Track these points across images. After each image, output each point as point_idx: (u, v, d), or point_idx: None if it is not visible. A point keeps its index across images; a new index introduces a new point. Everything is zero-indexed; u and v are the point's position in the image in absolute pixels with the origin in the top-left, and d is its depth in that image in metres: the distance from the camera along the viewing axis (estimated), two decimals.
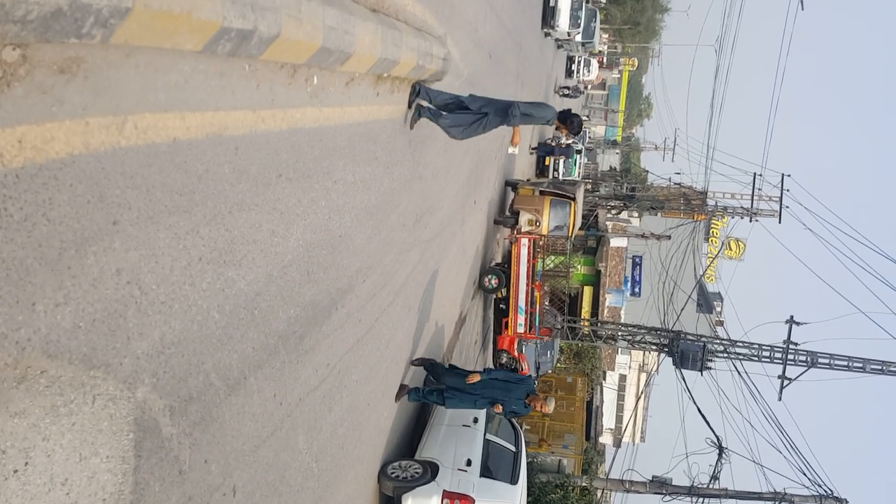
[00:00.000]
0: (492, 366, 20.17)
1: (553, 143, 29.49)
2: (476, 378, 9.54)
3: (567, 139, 29.33)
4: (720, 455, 18.03)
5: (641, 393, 42.83)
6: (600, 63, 75.86)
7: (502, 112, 8.95)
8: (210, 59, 4.08)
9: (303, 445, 6.41)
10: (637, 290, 40.66)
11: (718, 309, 45.20)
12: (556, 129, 9.70)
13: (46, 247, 3.07)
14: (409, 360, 10.35)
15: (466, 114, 8.96)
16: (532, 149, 28.77)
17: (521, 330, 18.97)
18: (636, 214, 40.88)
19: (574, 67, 52.34)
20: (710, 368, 20.97)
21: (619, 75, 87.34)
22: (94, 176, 3.31)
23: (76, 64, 3.07)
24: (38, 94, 2.92)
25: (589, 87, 65.00)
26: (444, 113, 9.05)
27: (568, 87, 45.71)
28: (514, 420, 12.33)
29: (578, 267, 36.66)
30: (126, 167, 3.53)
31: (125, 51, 3.34)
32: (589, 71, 46.28)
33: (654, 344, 22.51)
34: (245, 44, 4.16)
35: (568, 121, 9.21)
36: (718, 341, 22.24)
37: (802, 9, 42.56)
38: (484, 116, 8.97)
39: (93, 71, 3.18)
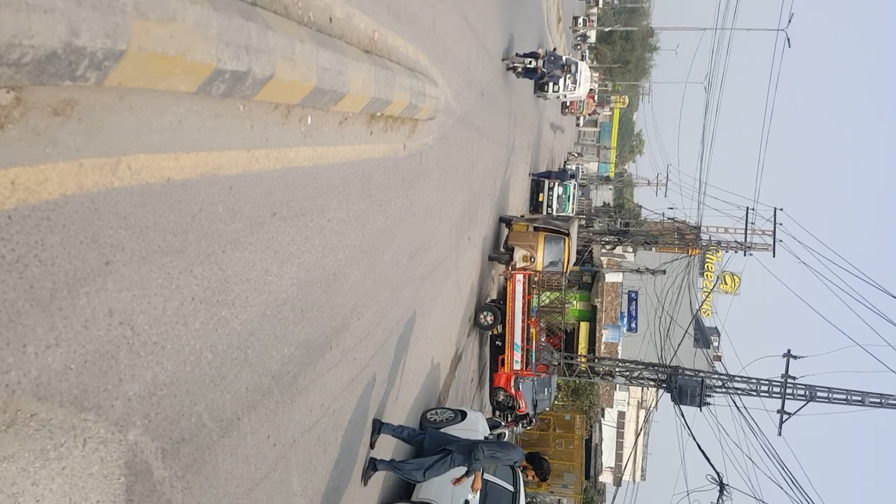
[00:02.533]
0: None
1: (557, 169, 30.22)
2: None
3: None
4: (721, 492, 17.82)
5: (640, 430, 42.46)
6: (591, 99, 76.83)
7: (466, 452, 8.71)
8: (204, 100, 4.11)
9: (297, 488, 6.32)
10: (633, 325, 40.57)
11: (716, 344, 45.05)
12: (523, 469, 9.55)
13: (38, 288, 3.06)
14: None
15: (428, 457, 8.77)
16: (530, 175, 29.61)
17: (517, 367, 18.85)
18: (630, 249, 41.01)
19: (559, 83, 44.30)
20: (708, 404, 20.84)
21: (610, 113, 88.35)
22: (87, 216, 3.31)
23: (70, 106, 3.09)
24: (32, 136, 2.93)
25: (581, 115, 61.37)
26: (401, 463, 8.86)
27: (561, 127, 46.78)
28: None
29: (574, 303, 36.64)
30: (119, 207, 3.54)
31: (119, 93, 3.37)
32: (576, 84, 29.49)
33: (651, 380, 22.38)
34: (239, 85, 4.20)
35: (536, 464, 9.00)
36: (716, 376, 22.13)
37: (789, 46, 43.36)
38: (448, 454, 8.73)
39: (87, 113, 3.21)
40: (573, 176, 35.57)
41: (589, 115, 68.28)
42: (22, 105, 2.83)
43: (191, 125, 4.06)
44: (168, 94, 3.73)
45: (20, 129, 2.86)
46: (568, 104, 50.94)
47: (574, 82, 28.28)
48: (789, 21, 43.27)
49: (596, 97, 79.01)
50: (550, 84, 28.06)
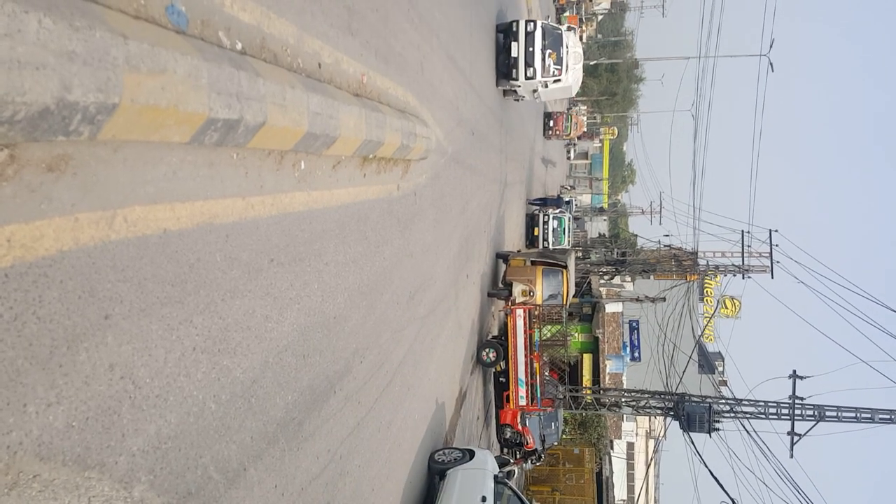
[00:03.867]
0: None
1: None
2: None
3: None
4: None
5: (651, 460, 41.93)
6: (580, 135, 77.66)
7: None
8: (198, 149, 4.13)
9: None
10: (637, 354, 40.36)
11: (720, 368, 44.78)
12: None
13: (37, 345, 3.02)
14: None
15: None
16: (529, 202, 30.12)
17: (522, 402, 18.68)
18: (629, 279, 41.00)
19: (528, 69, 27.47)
20: (717, 430, 20.62)
21: (600, 144, 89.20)
22: (84, 271, 3.30)
23: (64, 161, 3.10)
24: (27, 193, 2.93)
25: (569, 137, 51.21)
26: None
27: (552, 161, 47.77)
28: (522, 495, 11.99)
29: (576, 335, 36.50)
30: (117, 260, 3.52)
31: (113, 146, 3.38)
32: (562, 67, 20.53)
33: (659, 408, 22.18)
34: (232, 133, 4.22)
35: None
36: (724, 401, 21.95)
37: (773, 70, 44.00)
38: None
39: (81, 167, 3.21)
40: (568, 202, 36.08)
41: (578, 138, 61.56)
42: (16, 162, 2.83)
43: (185, 175, 4.06)
44: (162, 144, 3.75)
45: (15, 186, 2.86)
46: (552, 124, 46.60)
47: (559, 63, 20.12)
48: (770, 46, 44.00)
49: (585, 127, 79.90)
50: (521, 67, 20.08)
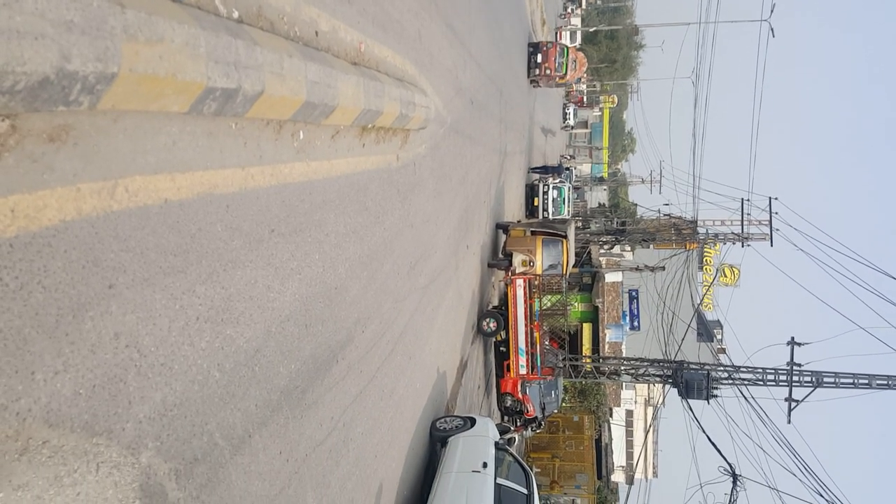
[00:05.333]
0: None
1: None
2: None
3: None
4: (735, 483, 17.77)
5: (649, 427, 42.36)
6: (580, 103, 76.98)
7: None
8: (197, 119, 4.13)
9: (312, 502, 6.30)
10: (636, 323, 40.54)
11: (719, 336, 45.03)
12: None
13: (43, 314, 3.06)
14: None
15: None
16: (530, 170, 30.92)
17: (523, 371, 18.83)
18: (628, 248, 41.05)
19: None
20: (715, 396, 20.81)
21: (599, 113, 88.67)
22: (87, 241, 3.32)
23: (65, 131, 3.11)
24: (29, 163, 2.95)
25: (565, 80, 36.71)
26: None
27: (552, 131, 46.51)
28: (523, 461, 12.16)
29: (576, 304, 36.64)
30: (119, 231, 3.55)
31: (113, 116, 3.39)
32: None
33: (657, 376, 22.36)
34: (230, 102, 4.22)
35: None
36: (722, 368, 22.11)
37: (773, 36, 43.58)
38: None
39: (82, 137, 3.22)
40: (568, 169, 35.99)
41: (575, 83, 50.74)
42: (17, 132, 2.85)
43: (185, 145, 4.07)
44: (161, 114, 3.75)
45: (17, 156, 2.87)
46: (539, 60, 33.20)
47: None
48: (772, 11, 43.53)
49: (585, 98, 79.26)
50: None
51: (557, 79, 34.41)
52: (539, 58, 32.97)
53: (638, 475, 42.77)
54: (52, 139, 3.04)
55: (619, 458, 45.23)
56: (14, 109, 2.72)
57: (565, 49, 34.19)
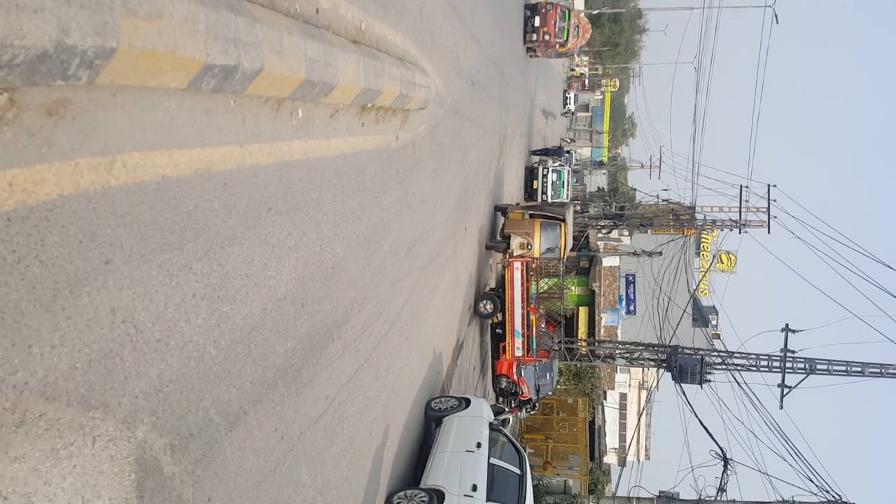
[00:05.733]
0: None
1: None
2: None
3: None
4: (725, 466, 17.92)
5: (643, 410, 42.64)
6: (583, 85, 76.56)
7: None
8: (195, 95, 4.12)
9: (307, 479, 6.35)
10: (632, 307, 40.64)
11: (714, 322, 45.18)
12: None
13: (40, 288, 3.08)
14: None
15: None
16: (531, 152, 31.12)
17: (518, 353, 18.91)
18: (626, 233, 41.06)
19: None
20: (709, 381, 20.94)
21: (601, 97, 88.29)
22: (85, 216, 3.33)
23: (63, 106, 3.10)
24: (27, 137, 2.94)
25: (566, 49, 32.60)
26: None
27: (552, 113, 46.12)
28: (516, 442, 12.25)
29: (572, 288, 36.69)
30: (117, 206, 3.55)
31: (111, 91, 3.38)
32: None
33: (652, 360, 22.48)
34: (229, 79, 4.20)
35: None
36: (716, 353, 22.23)
37: (777, 22, 43.36)
38: None
39: (80, 112, 3.22)
40: (568, 152, 35.95)
41: (576, 51, 46.50)
42: (16, 106, 2.84)
43: (183, 121, 4.07)
44: (159, 90, 3.74)
45: (15, 130, 2.87)
46: (538, 24, 29.19)
47: None
48: None
49: (587, 81, 78.80)
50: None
51: (557, 46, 30.55)
52: (537, 21, 29.05)
53: (630, 457, 43.12)
54: (50, 113, 3.04)
55: (612, 440, 45.57)
56: (12, 83, 2.71)
57: (567, 12, 30.43)
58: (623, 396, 46.74)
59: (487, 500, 9.65)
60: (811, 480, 17.60)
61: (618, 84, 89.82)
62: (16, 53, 2.55)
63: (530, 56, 31.15)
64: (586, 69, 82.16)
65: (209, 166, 4.45)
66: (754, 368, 21.08)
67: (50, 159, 3.08)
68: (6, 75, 2.62)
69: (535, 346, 19.24)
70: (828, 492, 17.35)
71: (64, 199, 3.19)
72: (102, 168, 3.43)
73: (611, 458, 45.05)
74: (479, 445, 10.97)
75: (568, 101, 64.68)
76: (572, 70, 75.02)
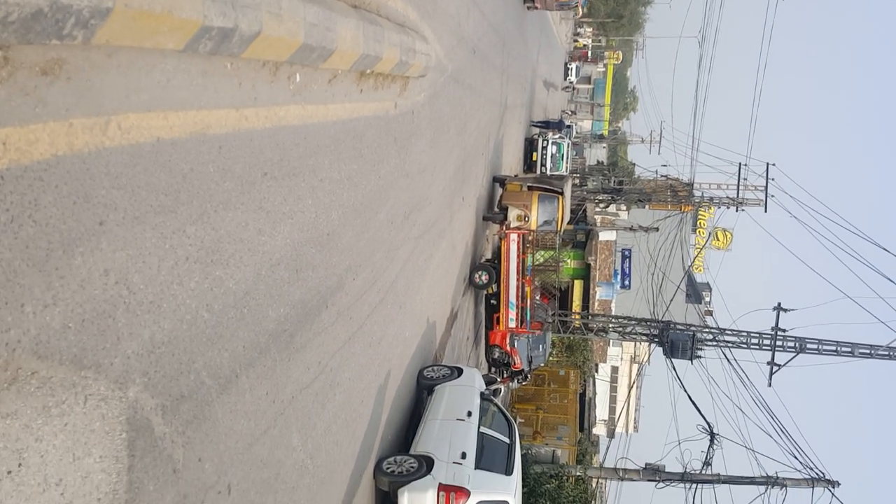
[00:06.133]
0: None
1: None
2: None
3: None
4: (712, 441, 18.15)
5: (633, 383, 43.05)
6: (584, 57, 75.83)
7: None
8: (192, 58, 4.09)
9: (297, 443, 6.43)
10: (627, 282, 40.83)
11: (707, 299, 45.44)
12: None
13: (33, 248, 3.08)
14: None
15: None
16: (532, 124, 30.93)
17: (512, 325, 19.02)
18: (624, 207, 41.06)
19: None
20: (699, 357, 21.11)
21: (603, 69, 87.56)
22: (79, 177, 3.33)
23: (58, 65, 3.08)
24: (21, 96, 2.93)
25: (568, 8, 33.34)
26: None
27: (553, 84, 45.61)
28: (507, 412, 12.39)
29: (568, 261, 36.77)
30: (111, 167, 3.55)
31: (107, 51, 3.36)
32: None
33: (644, 335, 22.63)
34: (226, 42, 4.17)
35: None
36: (707, 330, 22.38)
37: None
38: None
39: (75, 72, 3.20)
40: (568, 127, 35.81)
41: (581, 2, 44.83)
42: (10, 64, 2.82)
43: (179, 83, 4.04)
44: (156, 52, 3.71)
45: (9, 88, 2.86)
46: None
47: None
48: None
49: (590, 53, 78.04)
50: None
51: None
52: None
53: (619, 429, 43.63)
54: (44, 73, 3.02)
55: (601, 412, 46.05)
56: (7, 41, 2.69)
57: None
58: (615, 370, 47.15)
59: (476, 467, 9.78)
60: (796, 458, 17.85)
61: (621, 57, 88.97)
62: (10, 11, 2.53)
63: (529, 8, 29.88)
64: (589, 41, 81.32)
65: (205, 129, 4.44)
66: (745, 346, 21.25)
67: (44, 119, 3.07)
68: (0, 32, 2.60)
69: (528, 318, 19.34)
70: (812, 469, 17.61)
71: (58, 160, 3.18)
72: (97, 129, 3.41)
73: (600, 430, 45.59)
74: (469, 414, 11.09)
75: (569, 72, 63.97)
76: (575, 41, 74.25)
